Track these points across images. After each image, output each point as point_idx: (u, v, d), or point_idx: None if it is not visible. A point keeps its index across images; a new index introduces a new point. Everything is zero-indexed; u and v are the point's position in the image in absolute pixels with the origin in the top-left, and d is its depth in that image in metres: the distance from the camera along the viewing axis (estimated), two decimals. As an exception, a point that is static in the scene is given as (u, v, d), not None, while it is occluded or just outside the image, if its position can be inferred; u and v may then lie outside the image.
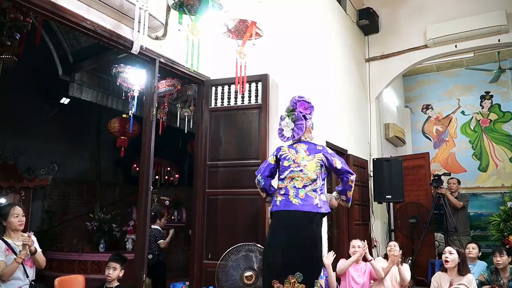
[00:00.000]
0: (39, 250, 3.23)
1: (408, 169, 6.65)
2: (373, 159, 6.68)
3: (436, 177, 6.31)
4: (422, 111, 9.69)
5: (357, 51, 7.11)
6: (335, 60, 6.13)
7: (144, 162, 3.68)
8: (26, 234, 3.10)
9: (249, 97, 4.34)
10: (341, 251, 5.83)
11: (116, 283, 3.77)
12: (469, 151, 8.97)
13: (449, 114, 9.36)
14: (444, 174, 6.55)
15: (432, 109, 9.58)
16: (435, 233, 6.75)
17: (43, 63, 6.63)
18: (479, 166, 8.78)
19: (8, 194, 7.91)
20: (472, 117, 9.08)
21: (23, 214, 3.17)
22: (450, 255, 3.93)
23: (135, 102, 5.51)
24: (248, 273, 3.55)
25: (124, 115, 6.86)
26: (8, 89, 6.94)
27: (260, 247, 3.66)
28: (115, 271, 3.65)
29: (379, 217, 6.86)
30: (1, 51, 4.36)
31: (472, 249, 4.61)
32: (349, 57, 6.72)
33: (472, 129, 9.05)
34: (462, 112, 9.22)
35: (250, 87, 4.28)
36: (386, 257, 4.76)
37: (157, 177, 9.26)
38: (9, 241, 3.04)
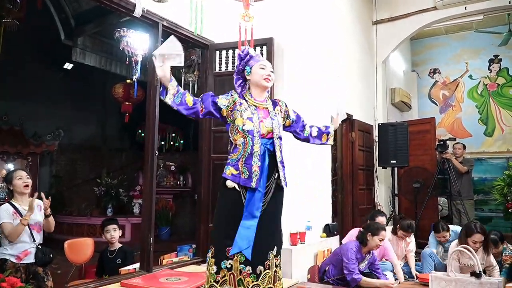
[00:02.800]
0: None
1: (413, 134, 6.63)
2: (378, 124, 6.65)
3: (442, 142, 6.30)
4: (429, 75, 9.54)
5: (364, 13, 6.94)
6: (341, 22, 5.99)
7: (149, 128, 3.69)
8: (35, 197, 3.15)
9: (254, 61, 4.27)
10: (345, 216, 5.92)
11: (118, 245, 3.90)
12: (475, 115, 8.90)
13: (457, 79, 9.21)
14: (450, 139, 6.54)
15: (440, 73, 9.43)
16: (438, 198, 6.81)
17: (46, 28, 6.54)
18: (485, 131, 8.73)
19: (16, 159, 8.03)
20: (480, 81, 8.94)
21: (27, 176, 3.21)
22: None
23: (138, 67, 5.47)
24: (253, 236, 3.60)
25: (128, 80, 6.82)
26: (11, 55, 6.89)
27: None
28: (116, 232, 3.84)
29: (383, 182, 6.90)
30: (2, 15, 4.29)
31: (443, 238, 4.71)
32: (356, 19, 6.57)
33: (479, 93, 8.93)
34: (470, 76, 9.07)
35: (254, 51, 4.20)
36: (394, 232, 4.79)
37: (162, 142, 9.31)
38: (16, 204, 3.10)
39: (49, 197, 3.25)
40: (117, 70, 7.08)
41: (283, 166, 2.46)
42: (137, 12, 3.38)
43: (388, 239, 4.73)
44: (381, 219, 4.51)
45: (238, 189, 2.33)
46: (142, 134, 8.39)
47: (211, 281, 2.28)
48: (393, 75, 8.02)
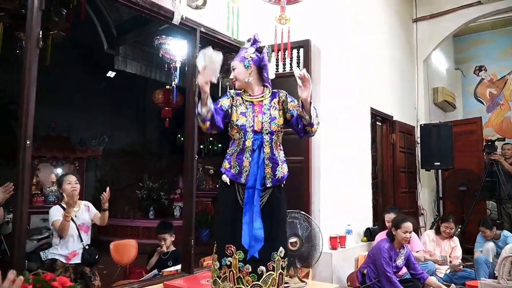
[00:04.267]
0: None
1: (458, 135, 6.38)
2: (420, 125, 6.46)
3: (489, 143, 6.03)
4: (474, 73, 9.16)
5: (403, 11, 6.76)
6: (379, 21, 5.87)
7: (188, 132, 3.75)
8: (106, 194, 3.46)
9: (291, 64, 4.27)
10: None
11: (172, 248, 4.06)
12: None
13: (504, 76, 8.79)
14: (498, 140, 6.24)
15: (486, 70, 9.04)
16: (487, 201, 6.51)
17: (89, 38, 6.82)
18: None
19: (64, 164, 8.40)
20: (530, 78, 8.50)
21: (76, 182, 3.42)
22: None
23: (177, 73, 5.59)
24: (293, 240, 3.59)
25: (168, 86, 6.98)
26: (57, 65, 7.23)
27: (304, 214, 3.68)
28: (166, 241, 3.98)
29: (426, 185, 6.68)
30: (50, 28, 4.49)
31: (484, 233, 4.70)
32: (395, 18, 6.41)
33: (530, 91, 8.49)
34: (519, 73, 8.64)
35: (291, 53, 4.19)
36: (437, 231, 4.68)
37: (201, 146, 9.45)
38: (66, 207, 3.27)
39: (109, 186, 3.56)
40: (156, 76, 7.28)
41: (274, 163, 2.33)
42: (176, 20, 3.45)
43: (432, 240, 4.63)
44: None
45: (230, 184, 2.31)
46: (182, 139, 8.56)
47: (214, 276, 2.30)
48: (435, 74, 7.76)
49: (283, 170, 2.37)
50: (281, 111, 2.40)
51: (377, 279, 3.79)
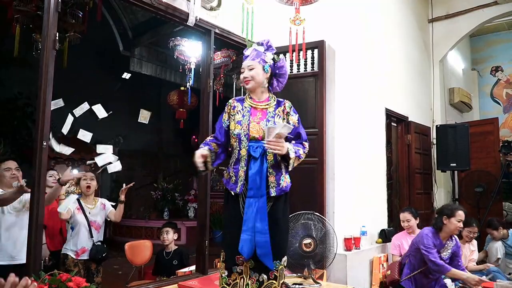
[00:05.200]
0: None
1: (475, 136, 6.30)
2: (436, 125, 6.39)
3: (506, 144, 5.94)
4: (491, 73, 9.03)
5: (419, 11, 6.70)
6: (395, 22, 5.82)
7: (203, 133, 3.76)
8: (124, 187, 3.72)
9: (305, 65, 4.26)
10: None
11: (174, 247, 4.08)
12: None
13: (522, 76, 8.65)
14: (515, 140, 6.14)
15: (502, 71, 8.90)
16: (503, 202, 6.42)
17: (105, 40, 6.90)
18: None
19: (80, 165, 8.51)
20: (549, 78, 8.34)
21: (92, 178, 3.69)
22: None
23: (192, 74, 5.62)
24: (307, 241, 3.58)
25: (182, 88, 7.03)
26: (73, 67, 7.33)
27: (319, 216, 3.67)
28: (168, 234, 4.04)
29: (442, 186, 6.60)
30: (67, 30, 4.55)
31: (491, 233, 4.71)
32: (410, 18, 6.35)
33: (549, 91, 8.33)
34: (537, 73, 8.49)
35: (305, 54, 4.18)
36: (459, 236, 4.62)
37: (215, 147, 9.49)
38: (82, 202, 3.56)
39: (127, 185, 3.77)
40: (171, 78, 7.34)
41: (278, 172, 2.30)
42: (190, 21, 3.48)
43: None
44: (405, 215, 4.47)
45: (233, 194, 2.30)
46: (196, 140, 8.59)
47: (223, 283, 2.31)
48: (451, 74, 7.67)
49: (286, 180, 2.35)
50: (285, 120, 2.37)
51: (419, 270, 3.64)
